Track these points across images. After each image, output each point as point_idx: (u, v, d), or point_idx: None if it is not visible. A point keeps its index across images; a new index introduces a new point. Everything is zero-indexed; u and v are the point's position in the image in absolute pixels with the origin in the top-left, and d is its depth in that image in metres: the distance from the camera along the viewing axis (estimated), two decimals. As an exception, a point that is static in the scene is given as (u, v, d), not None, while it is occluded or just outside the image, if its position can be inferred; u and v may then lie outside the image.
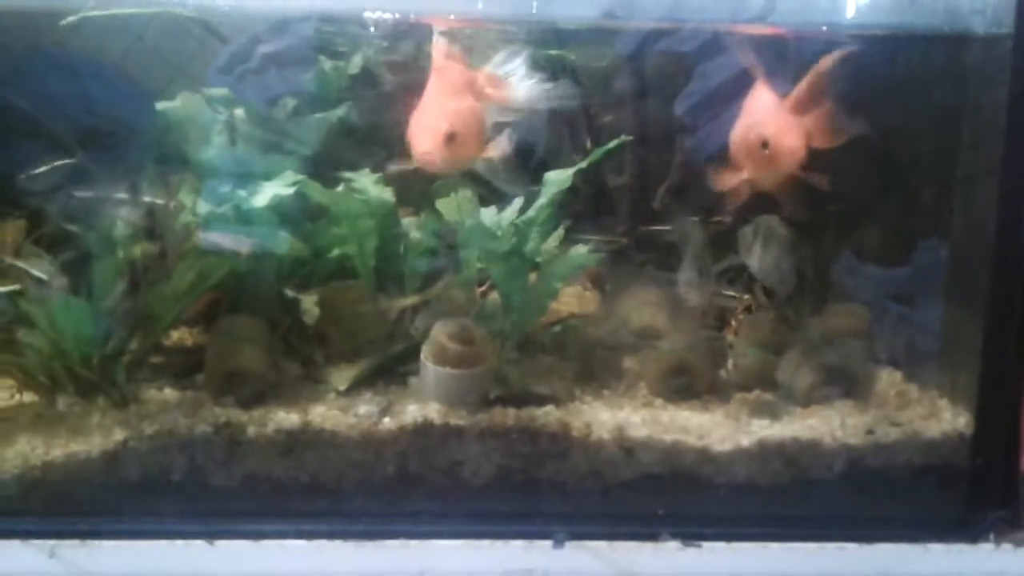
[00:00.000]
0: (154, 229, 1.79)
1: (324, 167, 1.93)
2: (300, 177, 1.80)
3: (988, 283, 1.69)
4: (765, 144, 1.70)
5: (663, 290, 2.11)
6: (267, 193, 1.73)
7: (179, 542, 1.58)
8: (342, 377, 1.84)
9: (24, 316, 1.71)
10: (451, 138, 1.65)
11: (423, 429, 1.67)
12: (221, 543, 1.58)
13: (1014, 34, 1.61)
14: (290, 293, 1.85)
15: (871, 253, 2.12)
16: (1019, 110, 1.63)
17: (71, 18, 1.78)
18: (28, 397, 1.80)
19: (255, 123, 1.93)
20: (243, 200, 1.74)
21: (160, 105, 1.85)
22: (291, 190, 1.76)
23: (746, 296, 2.16)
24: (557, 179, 1.87)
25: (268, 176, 1.80)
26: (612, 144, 1.86)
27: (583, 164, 1.86)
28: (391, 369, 1.88)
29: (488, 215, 1.89)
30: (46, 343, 1.71)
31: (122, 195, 1.80)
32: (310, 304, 1.83)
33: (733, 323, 2.15)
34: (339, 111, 2.00)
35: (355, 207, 1.83)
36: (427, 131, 1.66)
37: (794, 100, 1.75)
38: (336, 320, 1.89)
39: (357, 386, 1.82)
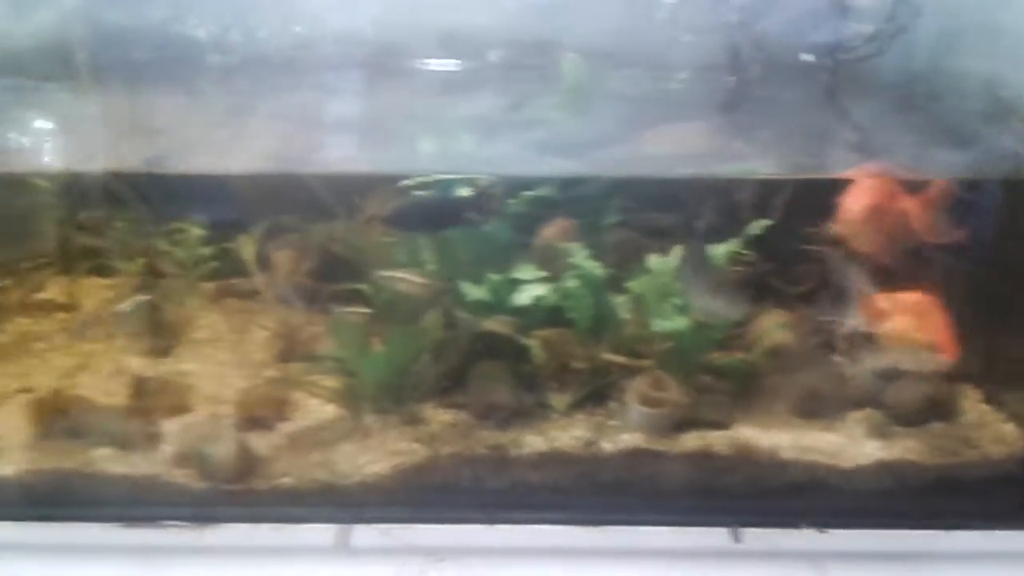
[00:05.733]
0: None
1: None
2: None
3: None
4: None
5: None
6: (528, 293, 2.43)
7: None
8: (561, 401, 2.55)
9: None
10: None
11: (631, 452, 2.39)
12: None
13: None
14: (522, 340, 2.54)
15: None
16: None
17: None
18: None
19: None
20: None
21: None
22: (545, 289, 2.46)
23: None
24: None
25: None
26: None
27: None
28: (598, 396, 2.57)
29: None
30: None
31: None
32: (538, 348, 2.52)
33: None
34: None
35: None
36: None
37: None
38: (554, 357, 2.58)
39: (570, 408, 2.54)
